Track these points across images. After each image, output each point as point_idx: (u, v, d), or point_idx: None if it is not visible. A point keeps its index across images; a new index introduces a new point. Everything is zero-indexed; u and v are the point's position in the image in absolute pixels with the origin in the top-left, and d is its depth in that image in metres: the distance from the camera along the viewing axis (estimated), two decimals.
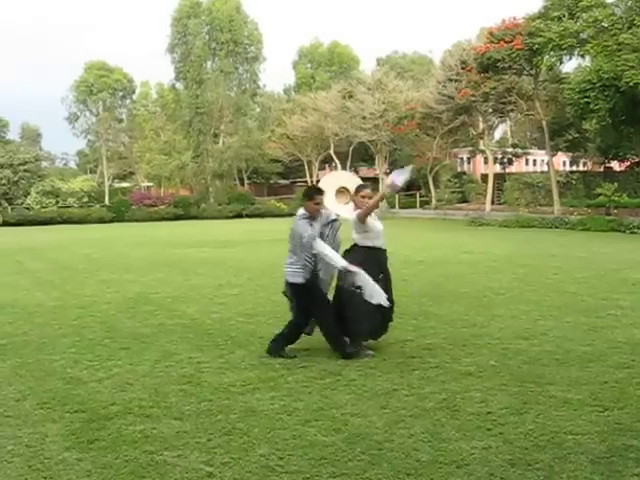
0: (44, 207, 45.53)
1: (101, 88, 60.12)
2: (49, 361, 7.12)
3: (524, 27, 30.89)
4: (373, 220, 7.20)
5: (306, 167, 54.81)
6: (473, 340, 7.73)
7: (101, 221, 43.13)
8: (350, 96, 46.56)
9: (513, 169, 46.61)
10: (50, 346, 7.80)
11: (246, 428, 5.05)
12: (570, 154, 43.87)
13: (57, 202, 46.84)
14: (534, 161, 55.13)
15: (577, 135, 37.31)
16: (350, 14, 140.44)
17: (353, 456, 4.52)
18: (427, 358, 6.95)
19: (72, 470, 4.38)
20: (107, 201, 50.98)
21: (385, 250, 7.32)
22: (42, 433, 5.03)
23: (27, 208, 45.53)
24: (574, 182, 37.76)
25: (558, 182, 34.19)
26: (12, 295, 11.86)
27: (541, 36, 28.82)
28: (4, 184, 47.71)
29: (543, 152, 41.22)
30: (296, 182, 59.56)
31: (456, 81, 37.96)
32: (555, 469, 4.26)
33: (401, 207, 45.70)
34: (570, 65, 73.29)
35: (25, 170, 48.60)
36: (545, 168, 41.36)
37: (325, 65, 66.65)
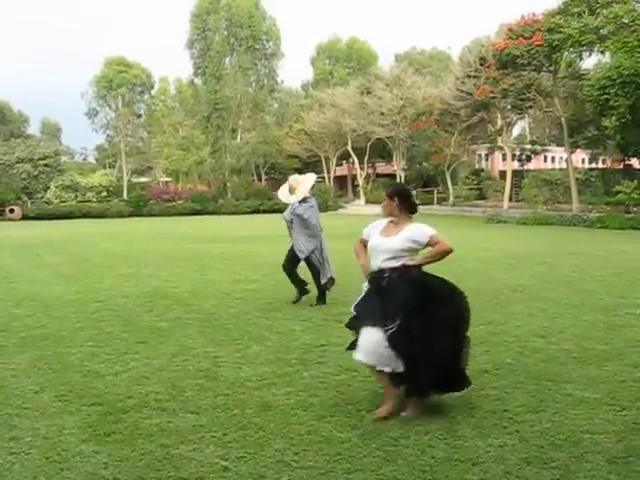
0: (63, 201, 45.94)
1: (120, 83, 60.18)
2: (67, 354, 7.16)
3: (543, 23, 30.69)
4: (373, 235, 5.65)
5: (324, 163, 54.79)
6: (490, 338, 7.69)
7: (119, 215, 43.49)
8: (368, 92, 46.48)
9: (531, 166, 46.29)
10: (68, 339, 7.85)
11: (262, 423, 5.06)
12: (589, 151, 43.53)
13: (76, 196, 47.22)
14: (552, 158, 54.77)
15: (596, 132, 36.91)
16: (368, 10, 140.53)
17: (368, 452, 4.52)
18: None
19: (88, 462, 4.41)
20: (125, 196, 51.27)
21: (379, 271, 5.45)
22: (59, 425, 5.06)
23: (46, 202, 45.96)
24: (593, 179, 37.41)
25: (577, 179, 33.93)
26: (31, 288, 11.95)
27: (561, 32, 28.64)
28: (24, 178, 48.14)
29: (562, 149, 40.93)
30: None
31: (475, 77, 37.76)
32: (571, 468, 4.23)
33: (418, 203, 45.57)
34: (590, 62, 72.45)
35: (45, 165, 49.02)
36: (564, 165, 41.06)
37: (343, 61, 66.46)
